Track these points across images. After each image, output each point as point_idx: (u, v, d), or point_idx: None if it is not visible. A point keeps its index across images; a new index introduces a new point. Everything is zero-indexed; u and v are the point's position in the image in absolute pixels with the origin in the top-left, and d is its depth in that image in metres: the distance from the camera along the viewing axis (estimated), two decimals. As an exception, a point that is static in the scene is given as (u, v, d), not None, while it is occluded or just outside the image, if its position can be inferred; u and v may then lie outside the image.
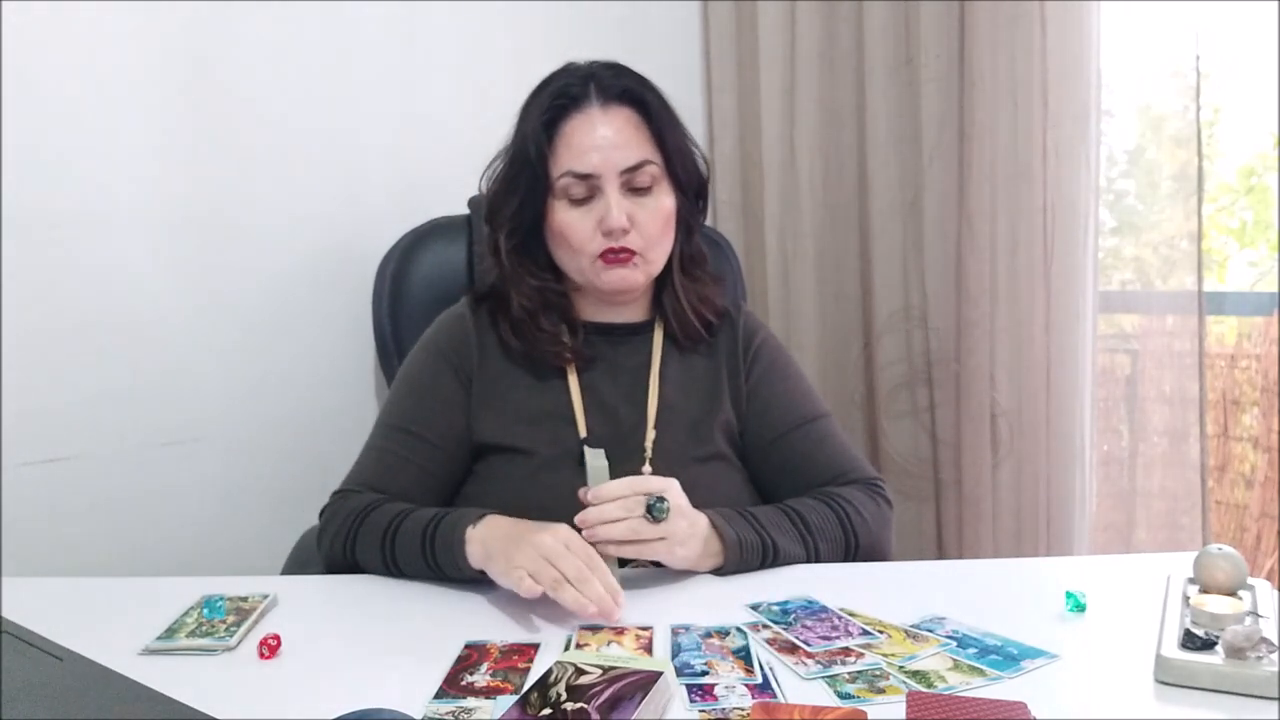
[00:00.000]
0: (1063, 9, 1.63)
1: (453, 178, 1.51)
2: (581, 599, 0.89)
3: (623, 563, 1.02)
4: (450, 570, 1.00)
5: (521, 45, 1.75)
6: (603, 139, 1.10)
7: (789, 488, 1.16)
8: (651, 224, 1.12)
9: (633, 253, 1.12)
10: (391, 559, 1.04)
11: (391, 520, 1.05)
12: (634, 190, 1.11)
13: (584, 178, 1.10)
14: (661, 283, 1.20)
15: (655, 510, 0.97)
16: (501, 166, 1.17)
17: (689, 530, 1.00)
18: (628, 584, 1.00)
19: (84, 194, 1.35)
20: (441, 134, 1.68)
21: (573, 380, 1.16)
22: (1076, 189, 1.65)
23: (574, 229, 1.11)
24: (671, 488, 1.00)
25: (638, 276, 1.15)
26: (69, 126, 1.33)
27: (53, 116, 1.31)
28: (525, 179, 1.12)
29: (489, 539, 0.98)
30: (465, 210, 1.53)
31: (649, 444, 1.14)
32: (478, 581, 0.99)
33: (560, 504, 1.00)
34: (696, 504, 1.03)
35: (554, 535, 0.94)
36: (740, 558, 1.02)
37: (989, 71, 1.68)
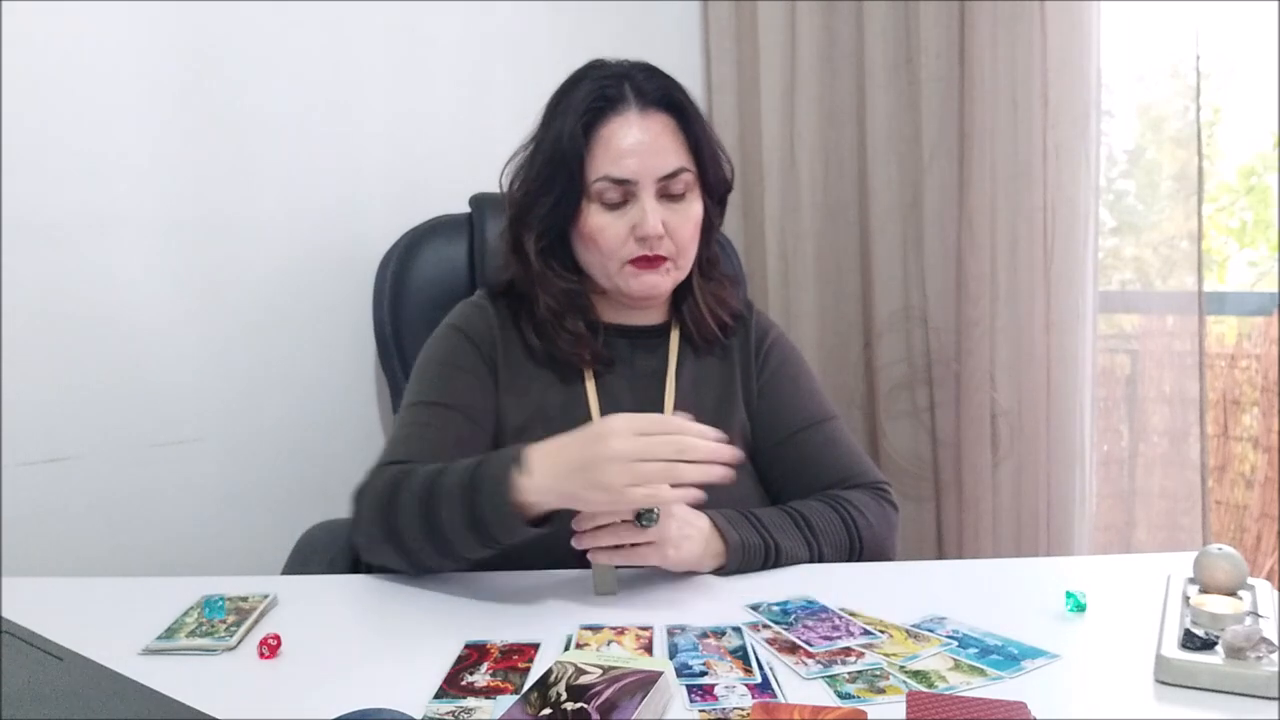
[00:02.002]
0: (1063, 9, 1.63)
1: (453, 177, 1.51)
2: (705, 469, 0.87)
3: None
4: (497, 526, 0.92)
5: (522, 45, 1.75)
6: (641, 144, 1.08)
7: (795, 489, 1.16)
8: (683, 230, 1.12)
9: (664, 258, 1.12)
10: (433, 518, 0.96)
11: (431, 476, 0.98)
12: (668, 197, 1.11)
13: (620, 183, 1.09)
14: (680, 286, 1.20)
15: (644, 517, 0.96)
16: (533, 167, 1.14)
17: (680, 533, 0.99)
18: (627, 583, 1.00)
19: (84, 194, 1.35)
20: (441, 134, 1.68)
21: (589, 383, 1.16)
22: (1076, 189, 1.65)
23: (606, 233, 1.10)
24: None
25: (667, 283, 1.15)
26: (69, 127, 1.33)
27: (53, 117, 1.31)
28: (561, 180, 1.10)
29: (555, 480, 0.91)
30: (465, 210, 1.53)
31: None
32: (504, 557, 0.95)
33: (572, 509, 0.98)
34: (709, 505, 1.02)
35: (616, 435, 0.88)
36: (742, 559, 1.02)
37: (989, 71, 1.68)
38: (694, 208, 1.13)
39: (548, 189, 1.11)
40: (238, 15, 1.45)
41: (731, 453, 0.90)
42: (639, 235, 1.09)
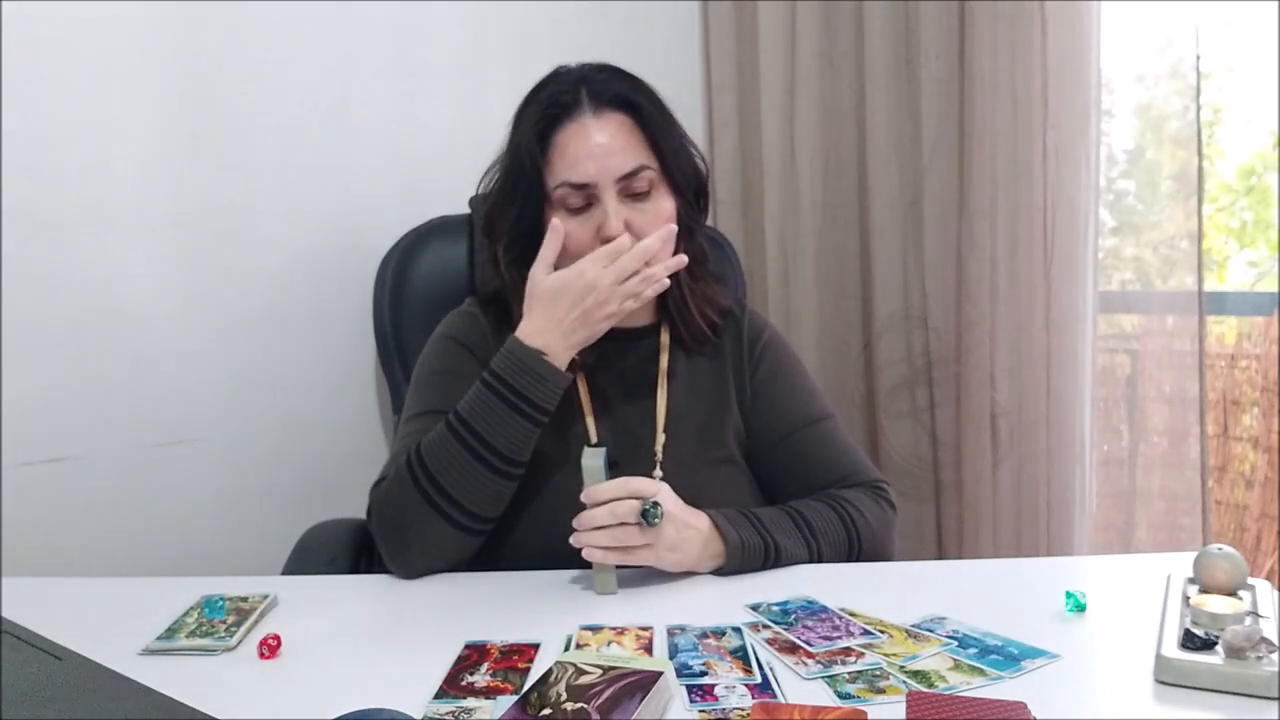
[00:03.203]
0: (1063, 9, 1.63)
1: (453, 178, 1.51)
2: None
3: None
4: (547, 392, 1.04)
5: (521, 45, 1.75)
6: (597, 147, 1.08)
7: (793, 489, 1.15)
8: (651, 229, 1.10)
9: None
10: (476, 438, 1.02)
11: (447, 424, 1.04)
12: (631, 196, 1.10)
13: (580, 187, 1.08)
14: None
15: (649, 516, 0.96)
16: (497, 178, 1.15)
17: (677, 537, 0.99)
18: (627, 583, 1.00)
19: (84, 194, 1.35)
20: (441, 134, 1.68)
21: (581, 387, 1.16)
22: (1076, 189, 1.65)
23: (573, 238, 1.09)
24: (663, 492, 1.00)
25: None
26: (69, 126, 1.33)
27: (53, 116, 1.31)
28: (521, 190, 1.11)
29: (564, 339, 1.04)
30: (465, 210, 1.53)
31: (659, 449, 1.13)
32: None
33: (570, 509, 0.99)
34: (705, 507, 1.03)
35: (583, 273, 1.03)
36: (742, 559, 1.02)
37: (989, 71, 1.68)
38: (661, 205, 1.12)
39: (511, 199, 1.12)
40: (238, 15, 1.45)
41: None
42: (603, 237, 1.08)
